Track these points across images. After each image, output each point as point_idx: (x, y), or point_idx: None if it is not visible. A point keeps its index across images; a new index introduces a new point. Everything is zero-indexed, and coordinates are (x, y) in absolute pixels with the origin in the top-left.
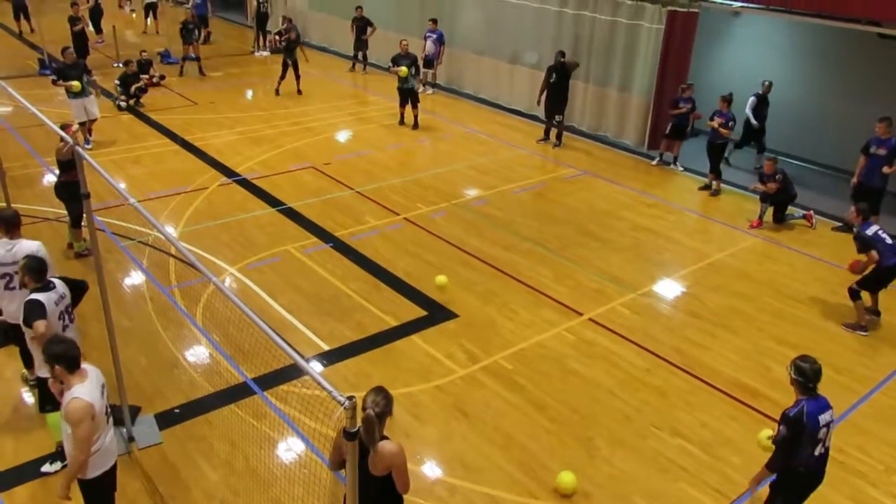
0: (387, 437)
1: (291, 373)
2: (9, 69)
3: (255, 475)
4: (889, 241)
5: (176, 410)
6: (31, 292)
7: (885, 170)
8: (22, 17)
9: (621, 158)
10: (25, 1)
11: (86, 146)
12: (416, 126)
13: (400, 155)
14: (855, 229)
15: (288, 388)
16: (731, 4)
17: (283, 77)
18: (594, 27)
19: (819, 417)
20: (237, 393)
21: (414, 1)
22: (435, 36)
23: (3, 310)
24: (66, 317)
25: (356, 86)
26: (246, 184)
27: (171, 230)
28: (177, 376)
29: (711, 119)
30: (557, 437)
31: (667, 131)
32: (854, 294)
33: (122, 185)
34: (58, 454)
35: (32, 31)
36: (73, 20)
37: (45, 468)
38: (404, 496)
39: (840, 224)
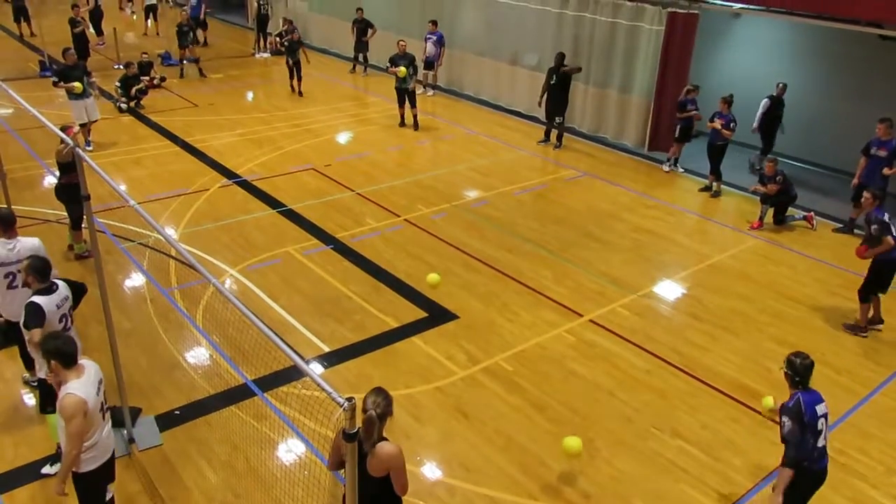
0: (385, 439)
1: (292, 374)
2: (9, 71)
3: (255, 476)
4: None
5: (176, 412)
6: (33, 293)
7: (886, 171)
8: (22, 20)
9: (622, 160)
10: (26, 4)
11: (86, 148)
12: (416, 127)
13: (400, 156)
14: (872, 215)
15: (288, 389)
16: (731, 6)
17: (291, 76)
18: (594, 29)
19: (816, 408)
20: (237, 394)
21: (414, 3)
22: (435, 38)
23: (6, 308)
24: (67, 319)
25: (357, 87)
26: (246, 185)
27: (171, 232)
28: (177, 378)
29: (711, 120)
30: (558, 439)
31: (676, 135)
32: (864, 297)
33: (123, 187)
34: (58, 455)
35: (32, 34)
36: (74, 22)
37: (45, 470)
38: (402, 497)
39: (841, 226)
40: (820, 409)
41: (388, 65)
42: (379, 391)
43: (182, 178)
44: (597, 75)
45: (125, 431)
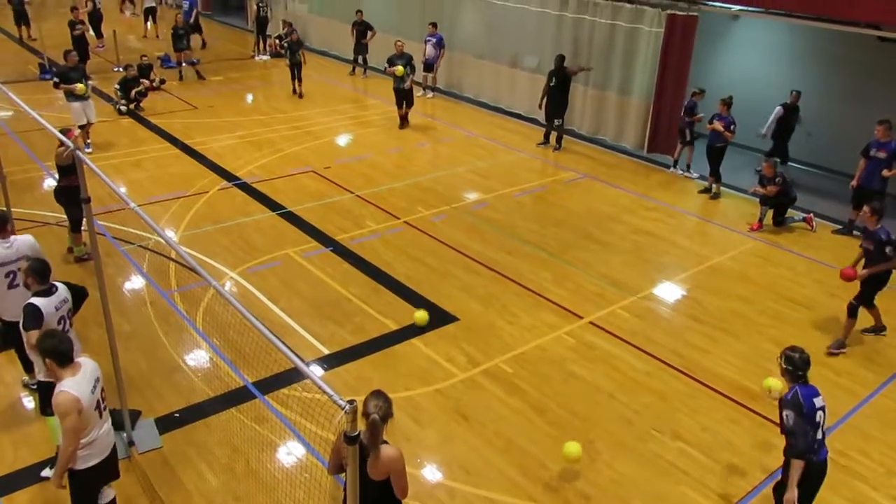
0: (386, 442)
1: (292, 377)
2: (9, 74)
3: (256, 479)
4: None
5: (176, 415)
6: (32, 295)
7: (885, 173)
8: (22, 24)
9: (621, 162)
10: (26, 8)
11: (85, 150)
12: (404, 123)
13: (400, 159)
14: (881, 235)
15: (288, 391)
16: (730, 8)
17: (293, 78)
18: (594, 31)
19: (813, 400)
20: (238, 397)
21: (414, 5)
22: (434, 40)
23: (6, 309)
24: (66, 322)
25: (356, 90)
26: (246, 188)
27: (171, 234)
28: (177, 380)
29: (711, 122)
30: (558, 441)
31: (687, 139)
32: (854, 311)
33: (123, 190)
34: (57, 458)
35: (31, 38)
36: (73, 24)
37: (45, 472)
38: (403, 500)
39: (840, 227)
40: (817, 401)
41: (386, 65)
42: (379, 394)
43: (182, 181)
44: (596, 77)
45: (125, 434)
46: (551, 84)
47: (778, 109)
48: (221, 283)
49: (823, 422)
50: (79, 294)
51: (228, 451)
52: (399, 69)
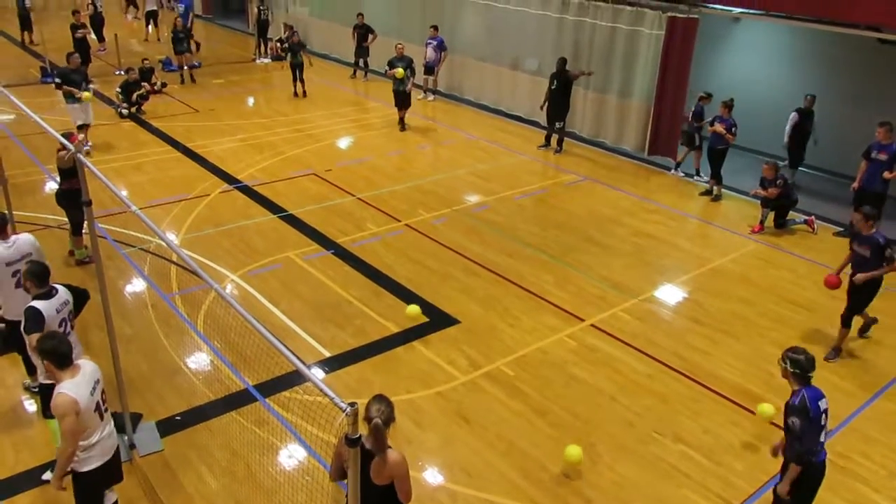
0: (389, 447)
1: (293, 379)
2: (11, 77)
3: (256, 482)
4: None
5: (177, 417)
6: (32, 298)
7: (886, 175)
8: (25, 29)
9: (622, 164)
10: (30, 13)
11: (85, 147)
12: (402, 127)
13: (401, 161)
14: (878, 239)
15: (290, 394)
16: (731, 10)
17: (295, 80)
18: (594, 33)
19: (818, 403)
20: (239, 400)
21: (415, 8)
22: (435, 43)
23: (12, 308)
24: (67, 324)
25: (357, 93)
26: (247, 191)
27: (172, 237)
28: (178, 383)
29: (712, 124)
30: (559, 444)
31: (696, 143)
32: (847, 321)
33: (124, 193)
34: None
35: (33, 42)
36: (75, 27)
37: (46, 476)
38: None
39: (842, 230)
40: (822, 403)
41: (386, 67)
42: (381, 398)
43: (183, 184)
44: (597, 80)
45: (126, 437)
46: (553, 87)
47: (793, 115)
48: (222, 285)
49: (826, 424)
50: (80, 296)
51: (229, 454)
52: (399, 71)
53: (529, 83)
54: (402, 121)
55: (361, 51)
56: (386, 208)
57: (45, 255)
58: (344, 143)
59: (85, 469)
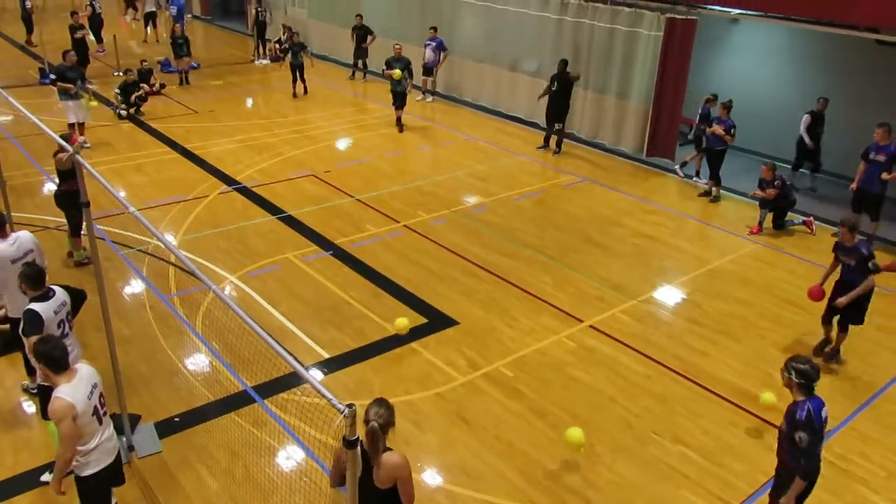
0: (390, 449)
1: (291, 381)
2: (10, 78)
3: (255, 484)
4: None
5: (176, 419)
6: (30, 300)
7: (885, 176)
8: (26, 30)
9: (621, 165)
10: (31, 14)
11: (85, 146)
12: (400, 128)
13: (400, 162)
14: (864, 249)
15: (288, 396)
16: (729, 11)
17: (294, 80)
18: (593, 35)
19: (821, 413)
20: (237, 401)
21: (414, 9)
22: (434, 44)
23: (16, 307)
24: (65, 325)
25: (356, 94)
26: (246, 192)
27: (171, 238)
28: (177, 384)
29: (711, 126)
30: (558, 444)
31: (703, 146)
32: (844, 326)
33: (123, 194)
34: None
35: (32, 44)
36: (74, 28)
37: (45, 477)
38: None
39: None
40: (824, 412)
41: (384, 68)
42: (381, 402)
43: (182, 185)
44: (595, 81)
45: (124, 438)
46: (553, 88)
47: (806, 118)
48: (221, 287)
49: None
50: (77, 297)
51: (228, 455)
52: (396, 72)
53: (528, 84)
54: (399, 121)
55: (360, 52)
56: (385, 209)
57: (45, 256)
58: (343, 144)
59: (86, 473)
